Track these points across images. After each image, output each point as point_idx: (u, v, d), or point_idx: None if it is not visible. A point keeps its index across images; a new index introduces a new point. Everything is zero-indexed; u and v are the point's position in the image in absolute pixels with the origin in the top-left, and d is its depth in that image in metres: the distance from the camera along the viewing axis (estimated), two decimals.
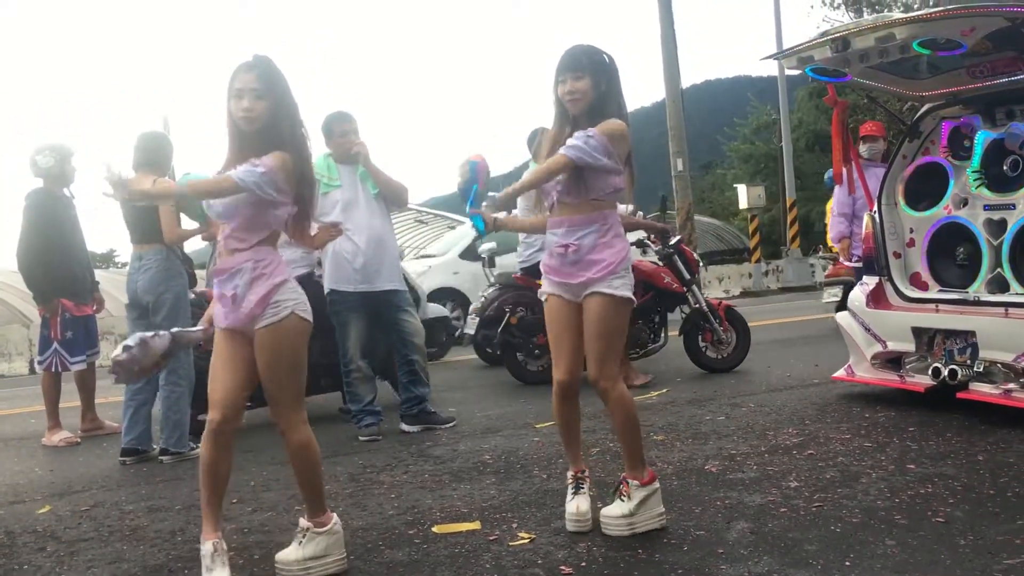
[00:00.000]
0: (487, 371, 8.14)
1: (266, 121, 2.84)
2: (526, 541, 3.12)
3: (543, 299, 3.27)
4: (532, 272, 6.58)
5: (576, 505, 3.18)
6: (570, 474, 3.27)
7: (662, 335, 7.00)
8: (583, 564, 2.86)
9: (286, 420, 2.92)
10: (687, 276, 6.83)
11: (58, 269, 5.85)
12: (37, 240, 5.81)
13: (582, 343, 3.16)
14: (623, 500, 3.13)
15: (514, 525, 3.31)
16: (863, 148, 7.11)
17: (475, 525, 3.35)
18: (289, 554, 2.95)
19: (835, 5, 25.19)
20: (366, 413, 5.29)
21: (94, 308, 6.20)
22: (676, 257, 6.86)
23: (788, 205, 20.38)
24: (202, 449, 2.87)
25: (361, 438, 5.20)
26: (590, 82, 3.09)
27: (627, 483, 3.15)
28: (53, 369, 5.95)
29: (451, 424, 5.37)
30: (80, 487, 4.53)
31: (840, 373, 5.55)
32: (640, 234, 6.98)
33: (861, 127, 7.28)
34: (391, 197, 5.33)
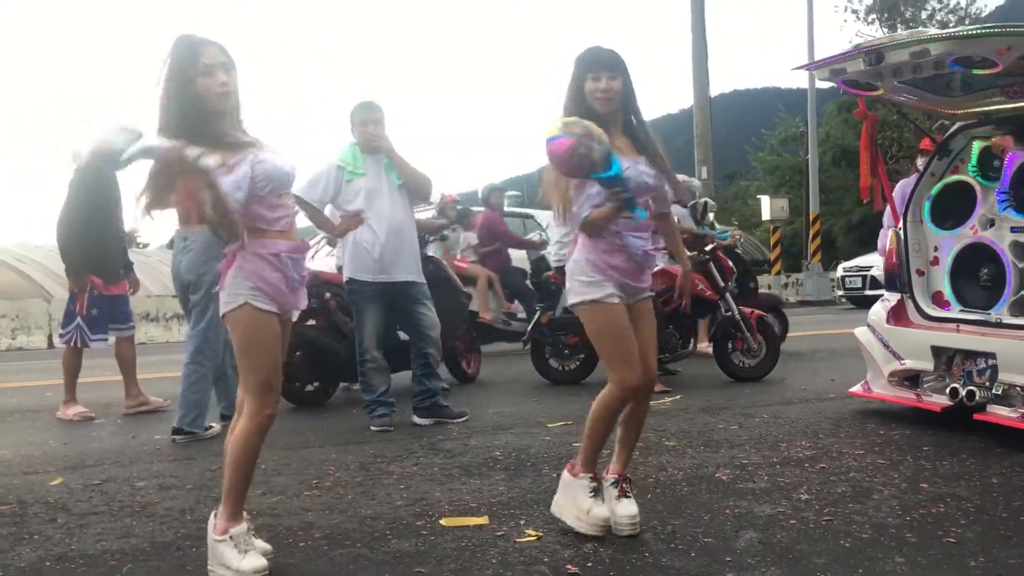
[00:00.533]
0: (501, 369, 8.15)
1: (236, 99, 2.77)
2: (533, 539, 3.11)
3: (615, 303, 3.07)
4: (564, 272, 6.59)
5: (606, 512, 3.12)
6: (588, 477, 3.15)
7: (691, 342, 6.99)
8: (589, 564, 2.85)
9: None
10: (721, 284, 6.81)
11: (93, 247, 5.92)
12: (78, 216, 5.88)
13: None
14: (630, 497, 3.17)
15: (522, 522, 3.31)
16: (919, 161, 6.74)
17: (483, 520, 3.35)
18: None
19: (869, 20, 25.06)
20: (379, 404, 5.30)
21: (128, 289, 6.27)
22: (711, 264, 6.84)
23: (811, 219, 20.28)
24: (257, 443, 2.79)
25: (373, 428, 5.22)
26: (621, 83, 3.07)
27: (629, 480, 3.22)
28: (73, 343, 6.01)
29: (463, 419, 5.37)
30: (93, 461, 4.57)
31: (856, 388, 5.52)
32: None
33: (921, 142, 6.98)
34: (414, 189, 5.33)
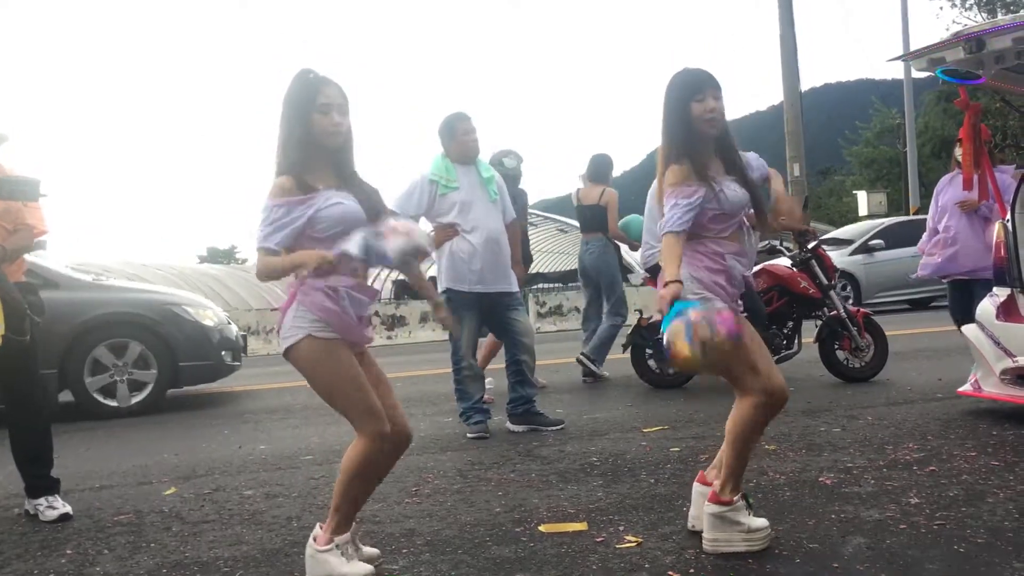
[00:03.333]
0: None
1: (348, 138, 2.85)
2: (633, 544, 3.10)
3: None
4: (656, 272, 6.55)
5: (764, 519, 3.05)
6: (740, 496, 3.03)
7: (795, 342, 6.84)
8: (691, 571, 2.82)
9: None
10: (825, 281, 6.66)
11: None
12: None
13: None
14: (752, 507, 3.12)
15: (621, 528, 3.30)
16: (957, 152, 6.26)
17: (582, 526, 3.34)
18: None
19: (967, 6, 24.17)
20: (475, 411, 5.35)
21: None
22: (813, 261, 6.70)
23: (912, 213, 19.61)
24: (383, 466, 2.87)
25: (469, 435, 5.27)
26: (723, 106, 2.99)
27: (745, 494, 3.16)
28: None
29: (560, 427, 5.38)
30: (203, 471, 4.74)
31: (966, 388, 5.31)
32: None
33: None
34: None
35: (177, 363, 7.34)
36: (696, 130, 2.96)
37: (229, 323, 8.12)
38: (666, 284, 2.83)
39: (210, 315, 7.82)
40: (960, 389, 5.37)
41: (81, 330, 7.12)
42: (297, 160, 2.77)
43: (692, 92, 2.95)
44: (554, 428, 5.34)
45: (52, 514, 3.84)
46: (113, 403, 7.17)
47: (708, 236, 2.98)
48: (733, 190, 2.98)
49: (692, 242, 2.97)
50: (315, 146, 2.79)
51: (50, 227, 4.14)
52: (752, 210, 3.08)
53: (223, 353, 7.70)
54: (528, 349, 5.43)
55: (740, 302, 3.14)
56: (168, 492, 4.30)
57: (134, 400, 7.23)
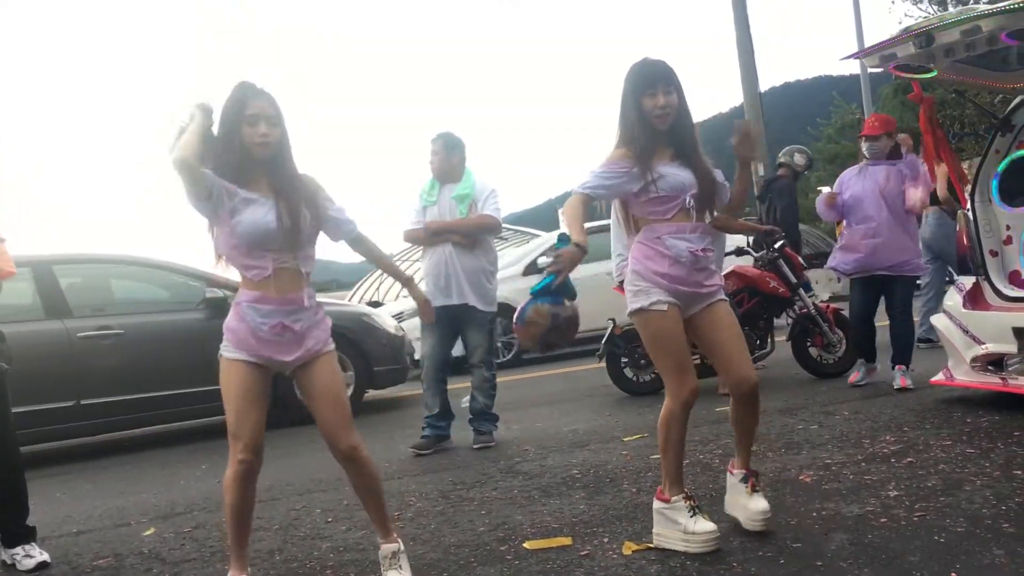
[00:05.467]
0: (573, 385, 8.12)
1: (276, 149, 2.90)
2: (617, 556, 3.09)
3: (663, 309, 3.04)
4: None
5: (710, 524, 3.04)
6: (680, 497, 3.10)
7: (768, 342, 6.89)
8: None
9: (355, 437, 2.98)
10: (793, 280, 6.71)
11: None
12: None
13: None
14: (759, 492, 3.21)
15: (605, 540, 3.29)
16: (864, 147, 6.16)
17: (566, 540, 3.34)
18: None
19: (916, 0, 24.51)
20: (426, 424, 5.61)
21: None
22: (781, 261, 6.76)
23: None
24: (235, 491, 2.90)
25: (474, 446, 5.44)
26: (676, 98, 3.04)
27: (756, 475, 3.24)
28: None
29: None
30: (182, 509, 4.68)
31: (939, 377, 5.37)
32: (738, 240, 6.88)
33: (866, 122, 6.33)
34: (483, 232, 5.52)
35: (372, 368, 7.71)
36: (647, 123, 3.05)
37: (403, 332, 8.53)
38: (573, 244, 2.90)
39: (391, 324, 8.30)
40: (933, 379, 5.43)
41: None
42: (232, 171, 2.86)
43: (644, 87, 3.03)
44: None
45: (30, 563, 3.77)
46: None
47: (651, 220, 3.09)
48: (674, 174, 3.05)
49: (636, 233, 3.13)
50: (247, 156, 2.86)
51: (14, 268, 4.05)
52: (698, 191, 3.09)
53: (406, 357, 8.17)
54: (477, 368, 5.55)
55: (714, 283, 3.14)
56: (147, 532, 4.24)
57: None
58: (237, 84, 2.91)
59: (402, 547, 3.05)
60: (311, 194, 2.97)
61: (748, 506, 3.17)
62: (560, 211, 4.58)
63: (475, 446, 5.44)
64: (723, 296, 3.19)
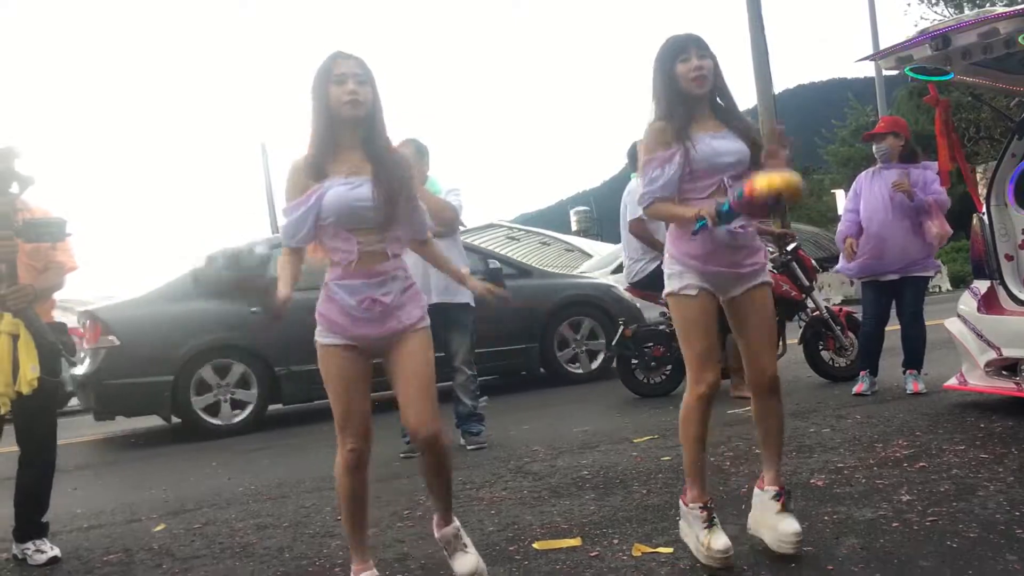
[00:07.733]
0: (582, 387, 8.12)
1: (368, 111, 2.77)
2: (627, 558, 3.08)
3: (692, 295, 2.92)
4: (644, 286, 6.56)
5: (723, 541, 2.89)
6: (698, 506, 2.96)
7: (780, 345, 6.86)
8: None
9: (439, 424, 2.88)
10: (806, 283, 6.68)
11: None
12: None
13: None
14: (791, 513, 2.99)
15: (615, 541, 3.28)
16: (873, 149, 6.07)
17: (575, 541, 3.33)
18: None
19: (933, 2, 24.39)
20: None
21: None
22: (794, 264, 6.73)
23: None
24: (347, 481, 2.85)
25: (468, 447, 5.43)
26: (711, 63, 2.90)
27: (788, 494, 3.02)
28: None
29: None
30: (192, 505, 4.70)
31: (952, 382, 5.33)
32: None
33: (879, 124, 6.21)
34: (436, 219, 5.48)
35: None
36: (683, 90, 2.90)
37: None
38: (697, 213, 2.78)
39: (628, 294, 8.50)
40: (946, 383, 5.40)
41: (554, 308, 8.77)
42: (321, 141, 2.76)
43: (676, 53, 2.90)
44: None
45: (41, 558, 3.79)
46: (578, 369, 8.79)
47: (688, 198, 2.92)
48: (712, 145, 2.88)
49: None
50: (338, 120, 2.76)
51: (81, 263, 4.05)
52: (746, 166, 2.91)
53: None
54: (459, 370, 5.55)
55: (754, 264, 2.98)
56: (157, 529, 4.25)
57: (593, 366, 8.84)
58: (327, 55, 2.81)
59: (459, 524, 3.03)
60: (407, 176, 2.87)
61: (778, 527, 2.94)
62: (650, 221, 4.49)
63: (469, 448, 5.45)
64: (766, 279, 3.02)
